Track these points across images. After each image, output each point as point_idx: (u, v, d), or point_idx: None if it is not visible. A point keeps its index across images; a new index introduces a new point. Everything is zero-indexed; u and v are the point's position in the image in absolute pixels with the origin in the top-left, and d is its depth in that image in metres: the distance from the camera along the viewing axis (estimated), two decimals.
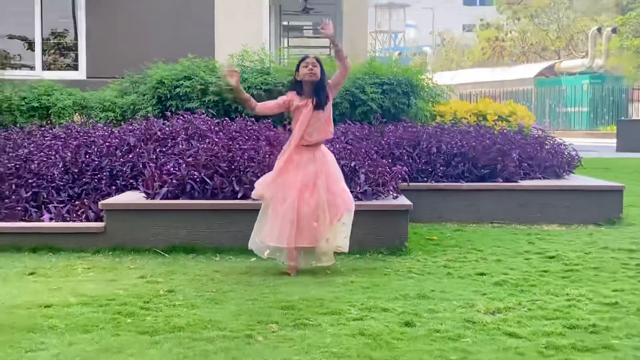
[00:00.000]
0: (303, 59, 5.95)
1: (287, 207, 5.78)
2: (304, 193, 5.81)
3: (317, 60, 5.93)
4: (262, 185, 5.95)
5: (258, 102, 6.17)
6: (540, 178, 9.08)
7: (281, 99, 6.06)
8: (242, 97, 6.11)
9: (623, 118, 34.56)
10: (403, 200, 6.99)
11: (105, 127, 9.22)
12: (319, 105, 5.87)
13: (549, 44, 52.97)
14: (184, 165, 7.20)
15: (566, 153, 9.73)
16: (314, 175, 5.84)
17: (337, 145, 7.72)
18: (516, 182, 8.68)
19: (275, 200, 5.86)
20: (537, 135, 10.24)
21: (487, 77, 46.98)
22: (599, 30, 41.54)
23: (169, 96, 10.71)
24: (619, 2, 45.06)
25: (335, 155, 7.16)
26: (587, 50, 43.15)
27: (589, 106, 39.37)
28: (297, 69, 5.96)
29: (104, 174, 7.76)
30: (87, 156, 8.02)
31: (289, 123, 9.51)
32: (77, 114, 11.28)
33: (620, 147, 24.04)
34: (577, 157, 9.82)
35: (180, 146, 8.13)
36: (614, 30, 40.83)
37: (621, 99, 39.99)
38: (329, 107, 5.96)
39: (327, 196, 5.82)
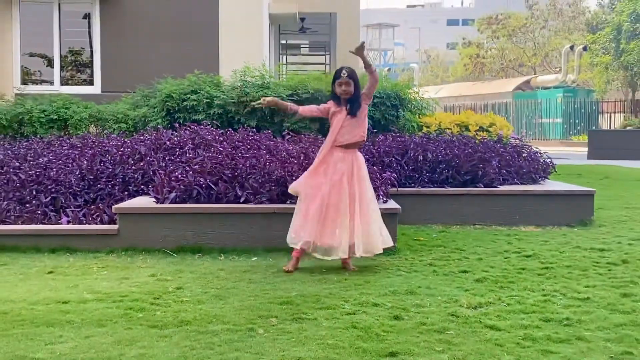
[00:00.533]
0: (337, 77, 6.04)
1: (317, 206, 5.89)
2: (331, 192, 5.91)
3: (350, 76, 6.01)
4: (298, 183, 6.14)
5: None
6: (518, 183, 9.08)
7: (322, 106, 6.27)
8: (283, 108, 6.41)
9: (594, 128, 34.61)
10: (392, 204, 6.99)
11: (118, 138, 9.21)
12: (351, 112, 6.01)
13: (525, 61, 53.06)
14: (190, 172, 7.20)
15: (541, 160, 9.73)
16: (340, 173, 5.94)
17: None
18: (496, 187, 8.68)
19: (308, 199, 5.98)
20: (515, 144, 10.24)
21: (469, 91, 47.01)
22: (572, 47, 41.59)
23: (177, 109, 10.69)
24: (589, 22, 45.12)
25: None
26: (560, 66, 43.20)
27: (562, 117, 39.42)
28: (333, 83, 6.09)
29: (117, 180, 7.75)
30: (101, 164, 8.01)
31: (288, 134, 9.57)
32: (92, 125, 11.27)
33: (591, 154, 24.08)
34: (551, 164, 9.82)
35: (188, 155, 8.13)
36: (585, 48, 40.91)
37: (592, 110, 40.06)
38: (362, 113, 6.08)
39: (354, 202, 5.93)
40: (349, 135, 5.99)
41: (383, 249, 6.07)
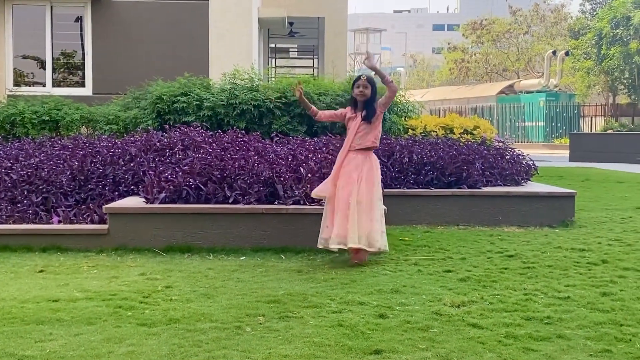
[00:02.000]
0: (356, 80, 6.23)
1: (332, 204, 6.13)
2: (340, 188, 6.08)
3: (369, 81, 6.19)
4: (321, 188, 6.28)
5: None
6: (501, 185, 9.09)
7: (339, 111, 6.51)
8: (306, 106, 6.54)
9: (575, 131, 34.76)
10: None
11: (109, 139, 9.17)
12: (366, 118, 6.15)
13: (509, 65, 53.23)
14: (180, 173, 7.17)
15: (524, 163, 9.75)
16: (349, 171, 6.11)
17: (319, 155, 7.71)
18: (479, 188, 8.69)
19: (331, 201, 6.16)
20: (498, 147, 10.26)
21: (454, 95, 47.12)
22: (554, 53, 41.72)
23: (167, 111, 10.67)
24: (571, 28, 45.30)
25: (317, 164, 7.20)
26: (543, 71, 43.36)
27: (544, 121, 39.56)
28: (352, 88, 6.27)
29: (108, 180, 7.72)
30: (92, 165, 7.98)
31: (277, 135, 9.56)
32: (83, 126, 11.23)
33: (572, 157, 24.17)
34: (533, 166, 9.85)
35: (177, 156, 8.11)
36: (567, 53, 41.06)
37: (573, 114, 40.24)
38: (377, 121, 6.22)
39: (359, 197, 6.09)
40: (361, 141, 6.17)
41: (380, 251, 6.19)
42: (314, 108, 6.52)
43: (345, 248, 6.09)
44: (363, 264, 6.06)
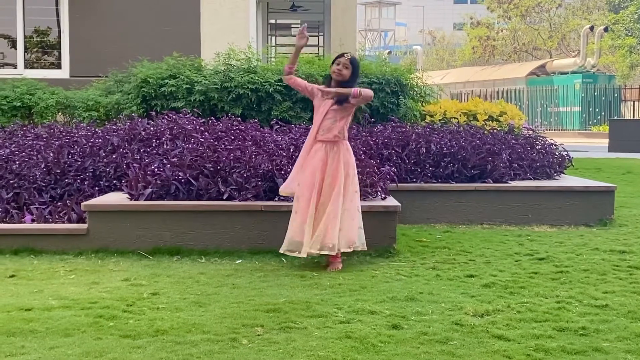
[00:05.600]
0: (339, 56, 6.20)
1: (303, 205, 6.08)
2: (304, 185, 6.12)
3: (352, 62, 6.13)
4: (287, 183, 6.32)
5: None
6: (530, 179, 9.09)
7: (309, 85, 6.40)
8: (294, 58, 6.36)
9: (615, 118, 34.64)
10: (391, 202, 6.99)
11: (88, 127, 9.19)
12: (338, 101, 6.09)
13: (540, 43, 53.08)
14: (168, 165, 7.19)
15: (557, 153, 9.75)
16: (313, 166, 6.10)
17: None
18: (506, 182, 8.69)
19: (296, 199, 6.18)
20: (527, 136, 10.26)
21: (477, 77, 47.02)
22: (591, 28, 41.55)
23: (153, 95, 10.69)
24: (611, 0, 45.15)
25: None
26: (579, 49, 43.23)
27: (581, 106, 39.43)
28: (332, 64, 6.23)
29: (87, 174, 7.74)
30: (69, 156, 7.99)
31: (277, 123, 9.57)
32: (60, 113, 11.25)
33: (612, 147, 24.07)
34: (568, 157, 9.84)
35: (165, 146, 8.12)
36: (606, 29, 40.91)
37: (614, 98, 40.08)
38: (347, 111, 6.19)
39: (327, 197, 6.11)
40: (324, 132, 6.13)
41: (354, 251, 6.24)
42: (293, 66, 6.39)
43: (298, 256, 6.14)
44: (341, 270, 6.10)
